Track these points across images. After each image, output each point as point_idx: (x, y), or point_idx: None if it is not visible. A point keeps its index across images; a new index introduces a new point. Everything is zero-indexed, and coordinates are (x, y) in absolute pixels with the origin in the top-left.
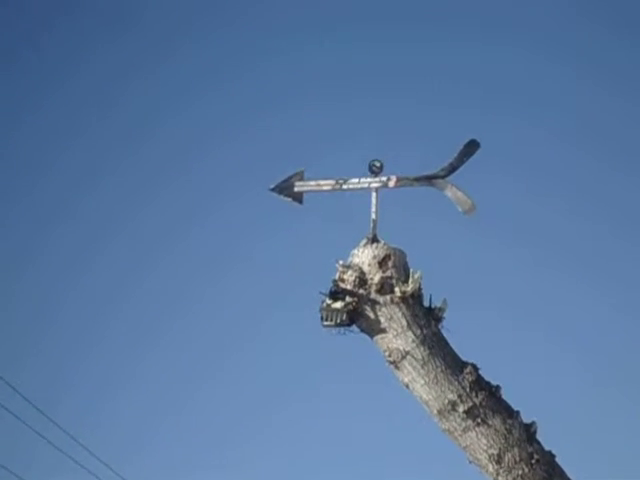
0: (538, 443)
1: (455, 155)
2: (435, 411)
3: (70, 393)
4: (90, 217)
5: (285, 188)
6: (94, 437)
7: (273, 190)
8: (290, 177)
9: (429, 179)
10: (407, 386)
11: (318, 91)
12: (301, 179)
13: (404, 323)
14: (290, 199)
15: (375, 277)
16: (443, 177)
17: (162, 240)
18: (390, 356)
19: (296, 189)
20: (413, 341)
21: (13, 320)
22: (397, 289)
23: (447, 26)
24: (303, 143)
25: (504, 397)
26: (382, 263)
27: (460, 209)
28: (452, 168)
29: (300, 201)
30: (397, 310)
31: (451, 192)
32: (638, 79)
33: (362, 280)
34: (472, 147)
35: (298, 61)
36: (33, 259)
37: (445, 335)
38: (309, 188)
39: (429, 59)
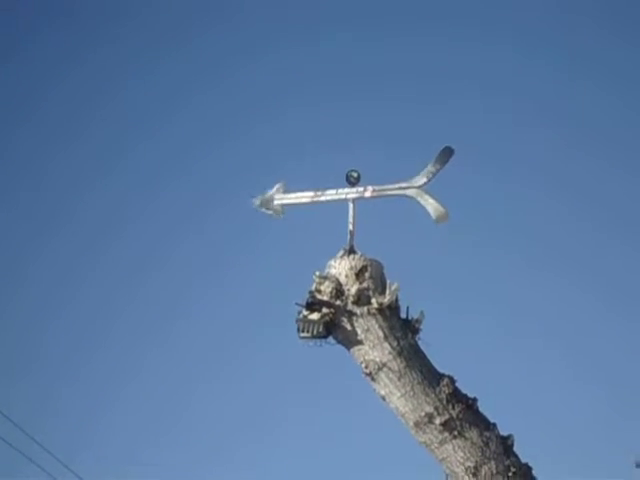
0: (515, 456)
1: (430, 163)
2: (412, 423)
3: (58, 416)
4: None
5: (266, 201)
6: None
7: (253, 204)
8: (270, 190)
9: (404, 188)
10: (383, 398)
11: (296, 101)
12: (281, 192)
13: (381, 335)
14: (271, 212)
15: (352, 288)
16: (419, 186)
17: (142, 256)
18: (366, 368)
19: (276, 202)
20: (390, 353)
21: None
22: (374, 300)
23: (440, 27)
24: (282, 153)
25: (481, 410)
26: (359, 274)
27: (433, 217)
28: (427, 176)
29: (281, 214)
30: (374, 322)
31: (424, 200)
32: (635, 79)
33: (339, 291)
34: (447, 154)
35: (274, 71)
36: (19, 281)
37: (422, 347)
38: (289, 201)
39: (410, 63)
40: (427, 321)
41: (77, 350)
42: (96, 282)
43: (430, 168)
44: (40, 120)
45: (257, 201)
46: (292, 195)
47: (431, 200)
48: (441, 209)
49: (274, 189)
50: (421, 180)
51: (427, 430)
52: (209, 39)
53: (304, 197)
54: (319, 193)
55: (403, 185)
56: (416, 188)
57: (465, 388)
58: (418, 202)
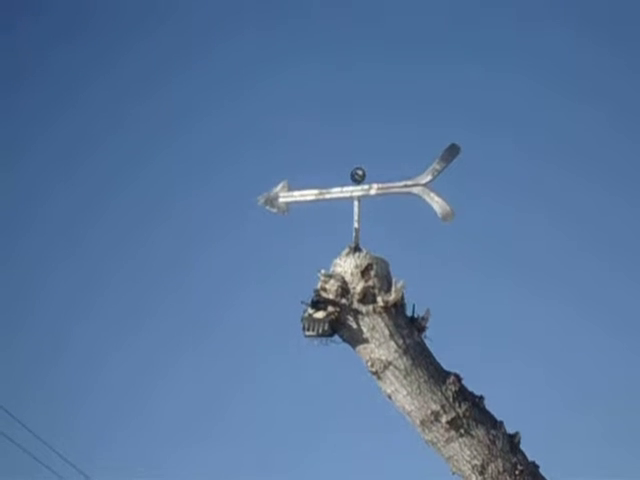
0: (522, 454)
1: (436, 160)
2: (418, 422)
3: (69, 418)
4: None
5: (270, 199)
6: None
7: (258, 201)
8: (275, 188)
9: (409, 186)
10: (390, 397)
11: (300, 101)
12: (286, 190)
13: (386, 333)
14: (275, 210)
15: (357, 286)
16: (424, 184)
17: (151, 258)
18: (372, 366)
19: (281, 200)
20: (396, 351)
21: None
22: (379, 299)
23: (442, 48)
24: (287, 152)
25: (488, 407)
26: (364, 272)
27: (439, 215)
28: (433, 173)
29: (285, 212)
30: (379, 320)
31: (430, 198)
32: (633, 102)
33: (344, 290)
34: (453, 151)
35: (280, 73)
36: (36, 293)
37: (428, 345)
38: (293, 199)
39: (417, 77)
40: (433, 318)
41: (89, 353)
42: (113, 286)
43: (436, 166)
44: (56, 132)
45: (261, 199)
46: (297, 193)
47: (437, 198)
48: (447, 207)
49: (278, 187)
50: (426, 178)
51: (433, 428)
52: (222, 48)
53: (309, 195)
54: (324, 191)
55: (409, 183)
56: (422, 186)
57: (471, 386)
58: (424, 200)
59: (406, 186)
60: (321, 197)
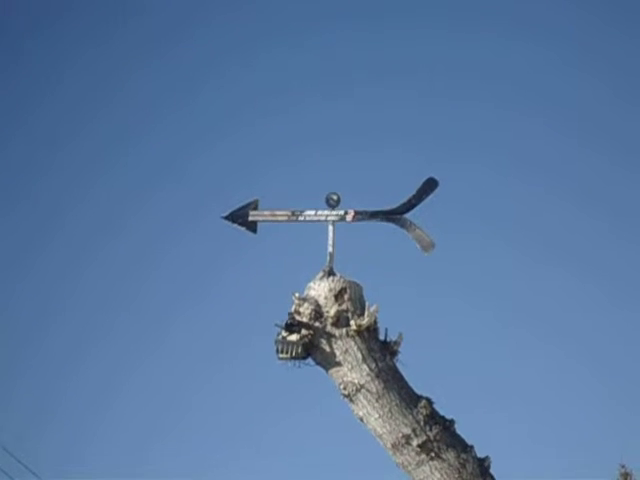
0: (492, 478)
1: (414, 192)
2: (389, 445)
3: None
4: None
5: (239, 216)
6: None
7: (226, 218)
8: (244, 206)
9: (387, 215)
10: (361, 419)
11: (275, 116)
12: (256, 208)
13: (359, 356)
14: (244, 228)
15: (331, 310)
16: (401, 214)
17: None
18: (345, 389)
19: (250, 218)
20: (368, 374)
21: None
22: (353, 322)
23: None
24: (257, 171)
25: (458, 431)
26: (338, 296)
27: (419, 247)
28: (410, 205)
29: (254, 230)
30: (352, 343)
31: (410, 230)
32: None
33: (318, 313)
34: (431, 185)
35: (254, 83)
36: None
37: (400, 369)
38: (264, 218)
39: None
40: (405, 343)
41: (45, 354)
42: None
43: (414, 197)
44: (36, 119)
45: (228, 215)
46: (267, 212)
47: (417, 230)
48: (428, 239)
49: (248, 204)
50: (404, 208)
51: (404, 451)
52: (185, 49)
53: (281, 215)
54: (297, 212)
55: (386, 210)
56: (400, 216)
57: (442, 410)
58: (404, 231)
59: (383, 214)
60: (294, 219)
